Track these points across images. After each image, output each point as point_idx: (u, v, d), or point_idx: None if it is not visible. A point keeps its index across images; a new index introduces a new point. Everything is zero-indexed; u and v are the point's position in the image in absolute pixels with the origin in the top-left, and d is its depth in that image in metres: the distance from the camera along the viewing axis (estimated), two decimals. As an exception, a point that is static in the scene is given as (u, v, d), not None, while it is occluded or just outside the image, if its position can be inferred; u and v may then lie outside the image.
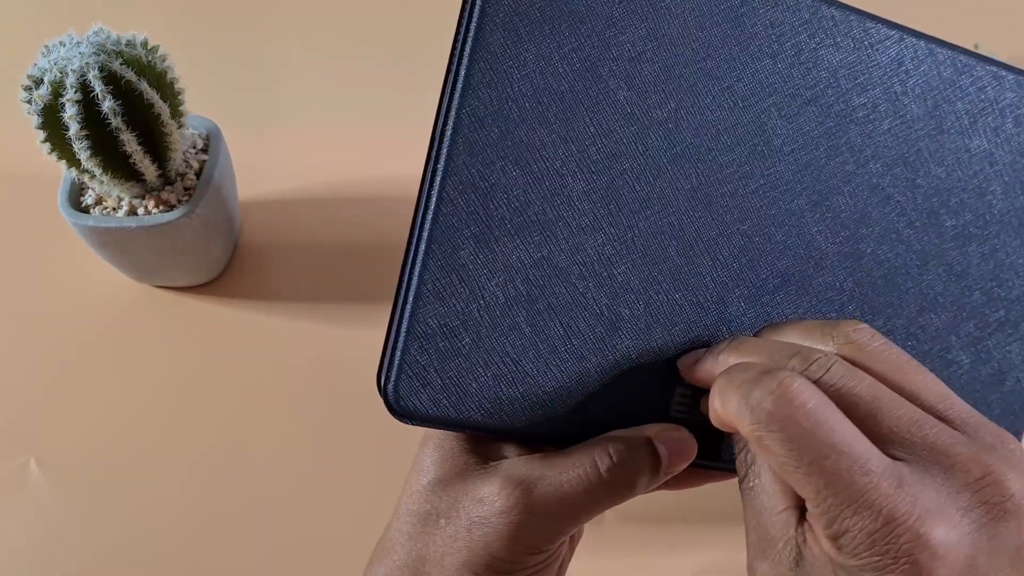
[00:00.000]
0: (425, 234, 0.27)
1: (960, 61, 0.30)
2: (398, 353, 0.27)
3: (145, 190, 0.47)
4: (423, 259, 0.27)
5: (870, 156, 0.29)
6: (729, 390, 0.24)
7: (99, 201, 0.48)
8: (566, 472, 0.27)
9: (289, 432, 0.48)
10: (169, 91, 0.45)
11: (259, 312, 0.52)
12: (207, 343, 0.51)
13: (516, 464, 0.28)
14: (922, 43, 0.30)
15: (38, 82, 0.42)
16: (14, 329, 0.51)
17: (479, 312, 0.27)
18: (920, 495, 0.22)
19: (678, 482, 0.32)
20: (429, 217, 0.27)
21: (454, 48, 0.27)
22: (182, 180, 0.48)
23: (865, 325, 0.25)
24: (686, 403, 0.29)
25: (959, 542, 0.21)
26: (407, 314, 0.27)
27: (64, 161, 0.44)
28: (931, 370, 0.26)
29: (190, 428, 0.48)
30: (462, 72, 0.27)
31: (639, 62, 0.28)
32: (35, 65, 0.42)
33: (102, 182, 0.45)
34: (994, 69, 0.31)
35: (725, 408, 0.24)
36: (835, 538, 0.22)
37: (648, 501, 0.34)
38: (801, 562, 0.23)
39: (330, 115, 0.61)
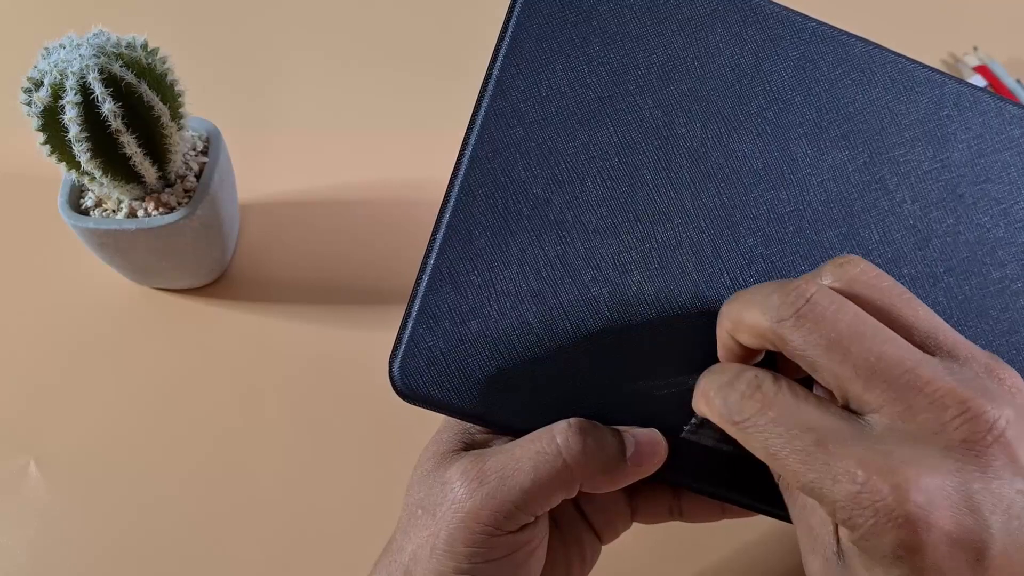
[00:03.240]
0: (445, 220, 0.28)
1: (1009, 112, 0.30)
2: (407, 332, 0.28)
3: (145, 192, 0.47)
4: (440, 244, 0.28)
5: (907, 196, 0.29)
6: (735, 307, 0.25)
7: (99, 203, 0.48)
8: (523, 446, 0.27)
9: (289, 434, 0.48)
10: (169, 93, 0.45)
11: (259, 314, 0.52)
12: (207, 345, 0.51)
13: (484, 451, 0.28)
14: (965, 89, 0.30)
15: (38, 84, 0.42)
16: (13, 330, 0.51)
17: (489, 301, 0.28)
18: (895, 448, 0.21)
19: (693, 515, 0.32)
20: (451, 205, 0.28)
21: (494, 52, 0.28)
22: (182, 182, 0.48)
23: (857, 257, 0.25)
24: (701, 425, 0.29)
25: (943, 486, 0.20)
26: (420, 294, 0.28)
27: (64, 163, 0.44)
28: None
29: (190, 430, 0.48)
30: (495, 73, 0.28)
31: (668, 81, 0.29)
32: (35, 67, 0.42)
33: (102, 184, 0.45)
34: None
35: (738, 319, 0.25)
36: (834, 516, 0.22)
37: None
38: (840, 553, 0.23)
39: (330, 118, 0.61)
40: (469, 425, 0.30)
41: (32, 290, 0.53)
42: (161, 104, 0.43)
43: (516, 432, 0.29)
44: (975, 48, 0.65)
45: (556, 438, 0.27)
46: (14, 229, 0.55)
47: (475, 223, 0.28)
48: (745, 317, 0.25)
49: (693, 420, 0.29)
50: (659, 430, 0.28)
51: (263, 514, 0.46)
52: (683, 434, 0.29)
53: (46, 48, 0.43)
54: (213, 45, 0.65)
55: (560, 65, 0.28)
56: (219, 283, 0.53)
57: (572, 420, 0.28)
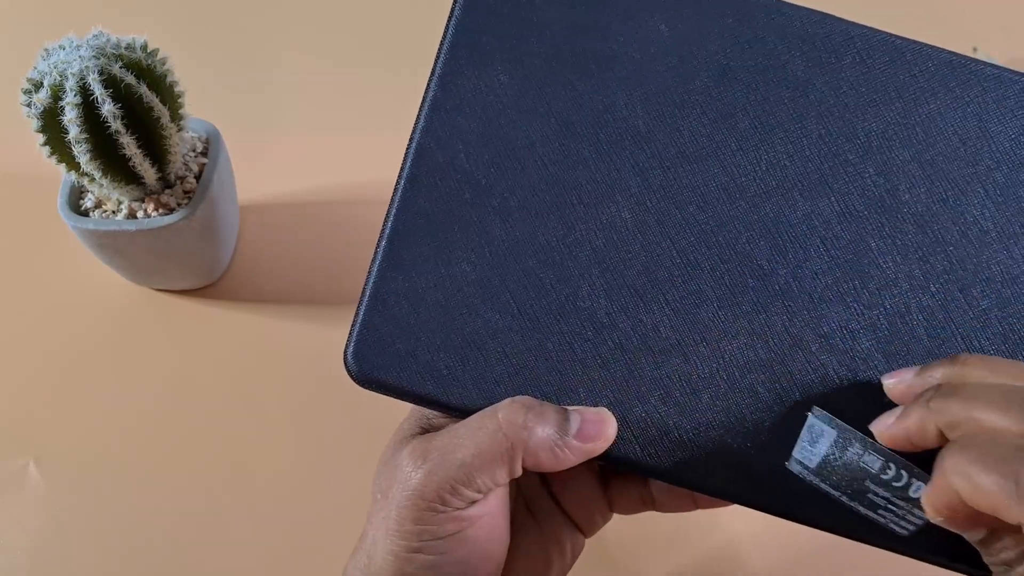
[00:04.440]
0: (393, 210, 0.29)
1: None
2: (359, 318, 0.29)
3: (145, 193, 0.47)
4: (389, 233, 0.29)
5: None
6: (978, 468, 0.21)
7: (99, 204, 0.48)
8: (466, 424, 0.28)
9: (289, 434, 0.48)
10: (169, 94, 0.45)
11: (258, 315, 0.52)
12: (206, 346, 0.51)
13: (434, 432, 0.29)
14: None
15: (38, 85, 0.42)
16: (13, 331, 0.51)
17: (437, 286, 0.29)
18: None
19: (666, 504, 0.32)
20: (398, 196, 0.29)
21: (438, 48, 0.29)
22: (182, 183, 0.48)
23: None
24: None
25: None
26: (371, 281, 0.29)
27: (64, 164, 0.44)
28: None
29: (189, 431, 0.48)
30: (438, 69, 0.29)
31: (610, 67, 0.29)
32: (35, 68, 0.42)
33: (102, 185, 0.45)
34: None
35: (978, 489, 0.21)
36: None
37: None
38: None
39: (330, 119, 0.61)
40: (430, 412, 0.30)
41: (32, 291, 0.53)
42: (161, 105, 0.43)
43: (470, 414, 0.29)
44: (975, 49, 0.65)
45: (498, 414, 0.27)
46: (14, 230, 0.55)
47: (420, 211, 0.29)
48: (985, 493, 0.21)
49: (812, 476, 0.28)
50: (621, 407, 0.28)
51: (263, 514, 0.46)
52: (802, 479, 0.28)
53: (46, 49, 0.43)
54: (213, 46, 0.65)
55: (499, 57, 0.29)
56: (218, 284, 0.53)
57: (517, 397, 0.28)
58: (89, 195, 0.48)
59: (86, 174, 0.44)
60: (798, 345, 0.28)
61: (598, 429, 0.28)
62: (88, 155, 0.42)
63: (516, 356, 0.29)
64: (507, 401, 0.28)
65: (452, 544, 0.28)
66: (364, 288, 0.29)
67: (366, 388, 0.29)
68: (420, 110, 0.29)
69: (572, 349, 0.29)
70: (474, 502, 0.28)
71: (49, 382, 0.50)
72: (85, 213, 0.48)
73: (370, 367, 0.29)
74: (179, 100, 0.46)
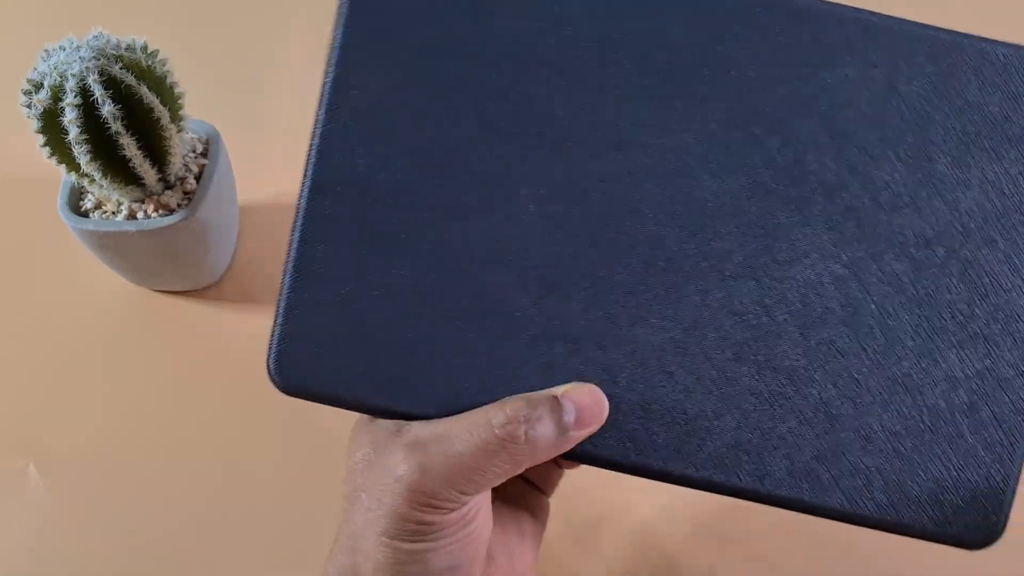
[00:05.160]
0: (299, 217, 0.28)
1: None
2: (278, 325, 0.29)
3: (145, 194, 0.47)
4: (298, 238, 0.28)
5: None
6: None
7: (98, 205, 0.48)
8: (460, 431, 0.27)
9: (289, 434, 0.48)
10: (169, 95, 0.45)
11: (258, 316, 0.52)
12: (206, 347, 0.51)
13: (419, 428, 0.28)
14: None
15: (38, 86, 0.42)
16: (13, 332, 0.51)
17: (347, 290, 0.28)
18: None
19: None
20: (303, 202, 0.28)
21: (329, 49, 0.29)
22: (182, 184, 0.48)
23: None
24: None
25: None
26: (284, 290, 0.29)
27: (64, 165, 0.44)
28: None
29: (189, 432, 0.48)
30: (330, 72, 0.29)
31: (506, 53, 0.28)
32: (35, 69, 0.42)
33: (102, 186, 0.45)
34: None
35: None
36: None
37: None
38: None
39: (330, 119, 0.61)
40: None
41: (32, 292, 0.53)
42: (161, 106, 0.43)
43: (417, 417, 0.28)
44: (974, 50, 0.65)
45: (492, 422, 0.27)
46: (14, 231, 0.55)
47: (326, 218, 0.28)
48: None
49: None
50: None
51: (263, 515, 0.46)
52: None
53: (46, 50, 0.43)
54: (213, 47, 0.65)
55: (391, 53, 0.28)
56: (219, 285, 0.53)
57: (508, 398, 0.27)
58: (89, 196, 0.48)
59: (86, 175, 0.44)
60: (712, 324, 0.28)
61: (593, 412, 0.27)
62: (88, 156, 0.42)
63: (438, 355, 0.28)
64: (499, 404, 0.27)
65: (448, 540, 0.27)
66: (279, 298, 0.29)
67: (293, 396, 0.29)
68: (316, 115, 0.29)
69: (493, 345, 0.28)
70: (467, 502, 0.27)
71: (49, 383, 0.49)
72: (85, 214, 0.48)
73: (291, 375, 0.29)
74: (179, 101, 0.46)
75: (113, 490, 0.46)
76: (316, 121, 0.29)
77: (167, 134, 0.45)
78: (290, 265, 0.29)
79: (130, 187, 0.46)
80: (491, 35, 0.28)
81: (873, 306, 0.28)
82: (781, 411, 0.28)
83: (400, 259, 0.28)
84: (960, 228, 0.28)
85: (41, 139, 0.43)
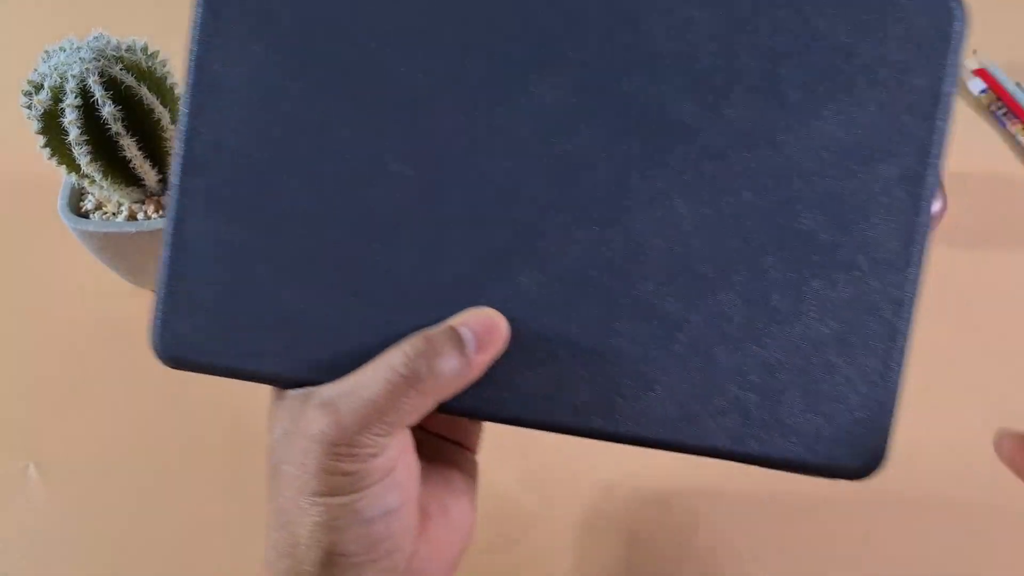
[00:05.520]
0: (175, 194, 0.29)
1: None
2: (159, 300, 0.29)
3: (145, 195, 0.47)
4: (173, 211, 0.29)
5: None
6: None
7: (99, 206, 0.48)
8: (365, 379, 0.27)
9: (288, 437, 0.48)
10: (169, 96, 0.45)
11: (258, 317, 0.52)
12: (206, 348, 0.51)
13: (327, 388, 0.28)
14: None
15: (38, 87, 0.42)
16: (13, 333, 0.51)
17: (228, 258, 0.29)
18: None
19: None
20: (176, 179, 0.29)
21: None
22: (182, 185, 0.48)
23: None
24: None
25: None
26: (163, 261, 0.29)
27: (64, 166, 0.44)
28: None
29: (189, 433, 0.48)
30: (193, 49, 0.29)
31: (368, 22, 0.28)
32: (35, 70, 0.42)
33: (102, 187, 0.45)
34: None
35: None
36: None
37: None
38: None
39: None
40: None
41: (32, 293, 0.53)
42: (161, 107, 0.43)
43: (313, 382, 0.28)
44: (974, 51, 0.65)
45: (394, 365, 0.27)
46: (14, 232, 0.55)
47: (200, 191, 0.29)
48: None
49: None
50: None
51: (263, 516, 0.45)
52: None
53: (46, 51, 0.43)
54: (213, 48, 0.65)
55: (253, 29, 0.28)
56: (219, 286, 0.53)
57: (409, 336, 0.27)
58: (89, 197, 0.48)
59: (86, 176, 0.44)
60: (579, 272, 0.28)
61: (492, 334, 0.27)
62: (88, 157, 0.42)
63: (318, 321, 0.29)
64: (398, 345, 0.27)
65: (376, 487, 0.27)
66: (158, 274, 0.29)
67: (178, 369, 0.29)
68: (183, 94, 0.29)
69: (372, 305, 0.28)
70: (387, 446, 0.27)
71: (49, 384, 0.49)
72: (85, 215, 0.48)
73: (176, 348, 0.29)
74: (179, 102, 0.46)
75: (113, 490, 0.46)
76: (183, 100, 0.29)
77: (167, 135, 0.45)
78: (168, 240, 0.29)
79: (130, 188, 0.46)
80: (351, 7, 0.28)
81: (737, 242, 0.28)
82: (655, 354, 0.28)
83: (274, 230, 0.29)
84: (818, 160, 0.28)
85: (41, 140, 0.43)
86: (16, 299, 0.53)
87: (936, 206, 0.56)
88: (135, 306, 0.52)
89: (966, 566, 0.42)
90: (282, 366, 0.29)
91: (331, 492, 0.27)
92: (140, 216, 0.47)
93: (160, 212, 0.47)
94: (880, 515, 0.43)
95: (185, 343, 0.29)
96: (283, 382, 0.29)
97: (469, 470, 0.33)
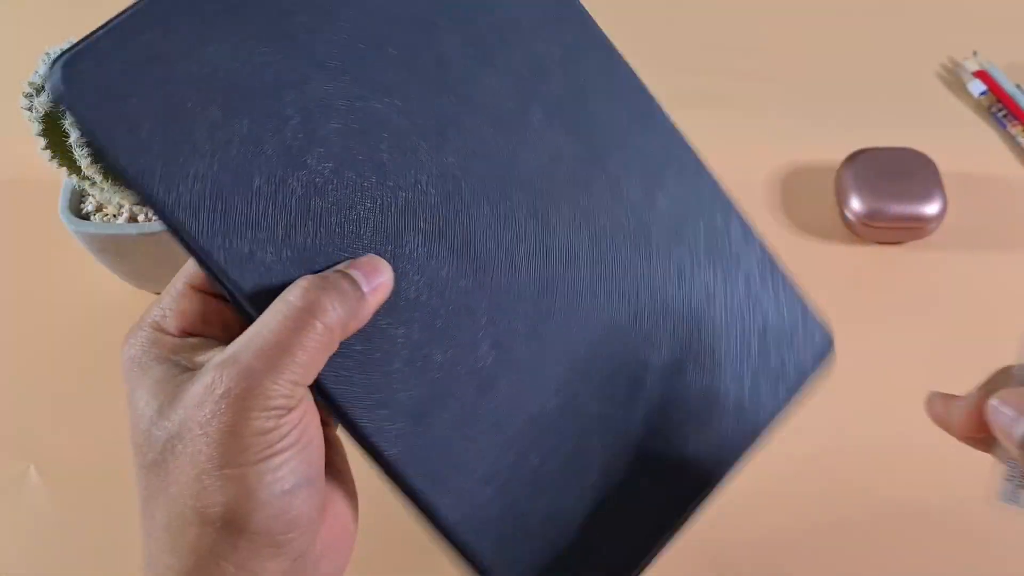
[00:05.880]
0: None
1: None
2: (98, 35, 0.27)
3: (146, 197, 0.47)
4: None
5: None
6: None
7: (99, 208, 0.48)
8: (263, 323, 0.25)
9: (289, 439, 0.48)
10: (170, 98, 0.45)
11: (259, 319, 0.52)
12: (207, 350, 0.51)
13: (224, 350, 0.26)
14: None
15: (39, 89, 0.42)
16: (14, 335, 0.51)
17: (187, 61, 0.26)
18: None
19: None
20: None
21: None
22: (183, 187, 0.48)
23: None
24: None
25: None
26: (126, 15, 0.27)
27: (65, 168, 0.44)
28: None
29: (190, 435, 0.48)
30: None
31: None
32: (36, 72, 0.42)
33: (103, 189, 0.45)
34: None
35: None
36: None
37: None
38: None
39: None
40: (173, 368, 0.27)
41: (33, 295, 0.53)
42: (162, 109, 0.43)
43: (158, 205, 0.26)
44: (975, 53, 0.65)
45: (289, 299, 0.25)
46: (15, 234, 0.55)
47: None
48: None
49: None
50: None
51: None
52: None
53: (47, 53, 0.43)
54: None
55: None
56: (219, 288, 0.53)
57: (300, 280, 0.26)
58: (90, 199, 0.48)
59: (87, 178, 0.44)
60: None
61: (378, 271, 0.27)
62: (89, 159, 0.42)
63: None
64: (294, 286, 0.26)
65: (292, 449, 0.25)
66: (108, 22, 0.27)
67: (61, 104, 0.26)
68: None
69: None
70: (300, 398, 0.25)
71: (50, 386, 0.49)
72: (86, 217, 0.48)
73: (78, 86, 0.26)
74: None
75: (114, 492, 0.46)
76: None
77: (168, 137, 0.45)
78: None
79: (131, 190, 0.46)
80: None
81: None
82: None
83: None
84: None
85: (42, 142, 0.43)
86: (17, 301, 0.53)
87: (936, 207, 0.56)
88: (136, 308, 0.52)
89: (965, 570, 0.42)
90: (157, 176, 0.26)
91: (246, 459, 0.24)
92: (141, 218, 0.47)
93: (161, 214, 0.47)
94: (878, 516, 0.43)
95: (92, 90, 0.26)
96: (152, 203, 0.26)
97: (343, 452, 0.31)
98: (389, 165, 0.28)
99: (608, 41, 0.31)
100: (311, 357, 0.25)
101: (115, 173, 0.26)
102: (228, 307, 0.28)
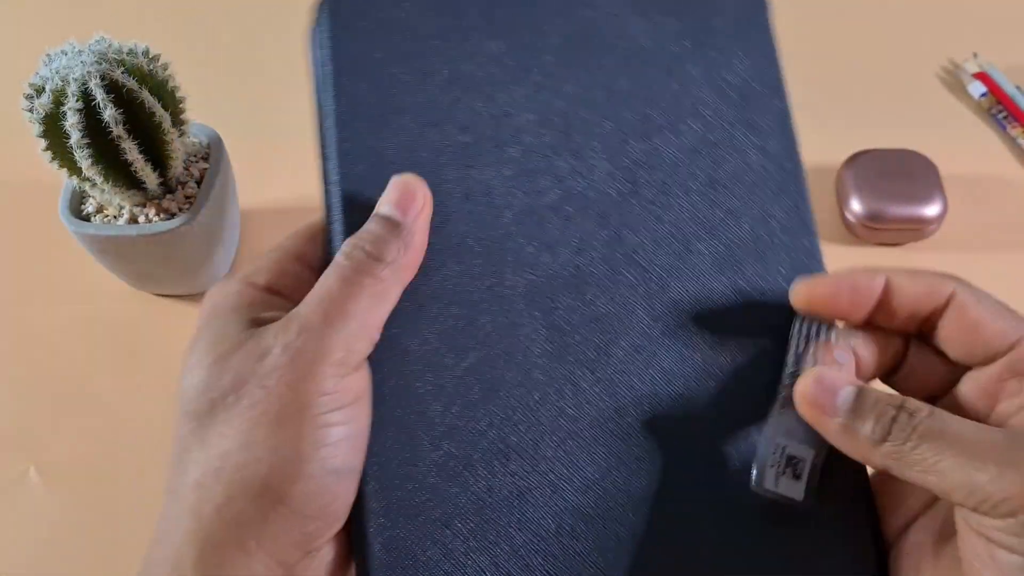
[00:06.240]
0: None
1: None
2: None
3: (146, 198, 0.47)
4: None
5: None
6: None
7: (100, 209, 0.48)
8: (321, 282, 0.25)
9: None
10: (170, 99, 0.45)
11: (259, 320, 0.52)
12: (207, 351, 0.51)
13: (281, 314, 0.25)
14: None
15: (40, 90, 0.42)
16: (14, 336, 0.51)
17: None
18: None
19: None
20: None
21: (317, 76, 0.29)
22: (183, 188, 0.48)
23: None
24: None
25: None
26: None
27: (65, 169, 0.44)
28: None
29: (190, 436, 0.48)
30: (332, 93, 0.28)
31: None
32: (37, 74, 0.42)
33: (103, 190, 0.45)
34: None
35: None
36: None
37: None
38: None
39: (331, 124, 0.61)
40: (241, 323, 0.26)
41: (33, 296, 0.53)
42: (162, 110, 0.43)
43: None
44: (975, 55, 0.65)
45: (339, 259, 0.25)
46: (15, 235, 0.55)
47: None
48: None
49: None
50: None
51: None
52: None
53: (48, 55, 0.43)
54: (215, 51, 0.65)
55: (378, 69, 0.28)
56: (220, 289, 0.53)
57: (348, 240, 0.26)
58: (90, 200, 0.48)
59: (87, 179, 0.44)
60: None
61: (410, 190, 0.26)
62: (89, 160, 0.42)
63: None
64: (347, 248, 0.25)
65: (341, 434, 0.24)
66: None
67: (322, 22, 0.28)
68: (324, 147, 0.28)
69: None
70: (359, 361, 0.25)
71: (50, 387, 0.49)
72: (86, 218, 0.48)
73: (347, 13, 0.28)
74: (180, 105, 0.46)
75: (113, 493, 0.46)
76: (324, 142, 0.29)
77: (169, 138, 0.45)
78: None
79: (131, 191, 0.46)
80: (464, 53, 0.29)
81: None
82: None
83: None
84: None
85: (43, 143, 0.43)
86: (17, 302, 0.53)
87: (936, 209, 0.56)
88: (136, 309, 0.52)
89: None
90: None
91: (300, 420, 0.23)
92: (141, 219, 0.47)
93: (160, 215, 0.47)
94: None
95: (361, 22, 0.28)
96: None
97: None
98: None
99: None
100: (369, 312, 0.24)
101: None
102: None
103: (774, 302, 0.28)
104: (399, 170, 0.27)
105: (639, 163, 0.28)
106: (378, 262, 0.25)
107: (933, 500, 0.26)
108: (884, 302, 0.27)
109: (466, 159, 0.28)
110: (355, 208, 0.27)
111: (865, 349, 0.27)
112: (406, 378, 0.26)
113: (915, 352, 0.27)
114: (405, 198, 0.26)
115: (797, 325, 0.27)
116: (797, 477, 0.26)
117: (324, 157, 0.28)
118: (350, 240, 0.26)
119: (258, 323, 0.25)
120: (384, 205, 0.26)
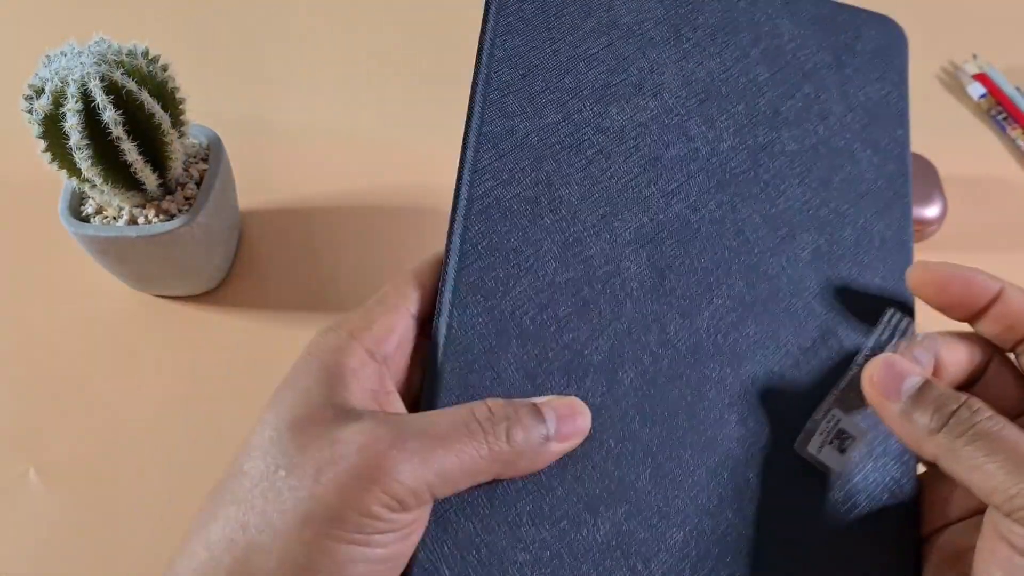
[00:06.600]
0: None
1: None
2: None
3: (145, 199, 0.47)
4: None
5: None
6: None
7: (99, 210, 0.48)
8: (439, 415, 0.24)
9: (288, 441, 0.48)
10: (170, 101, 0.45)
11: (259, 321, 0.52)
12: (207, 352, 0.51)
13: (382, 412, 0.25)
14: None
15: (39, 91, 0.42)
16: (14, 337, 0.51)
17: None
18: None
19: None
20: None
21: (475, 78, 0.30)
22: (183, 189, 0.48)
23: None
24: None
25: None
26: None
27: (65, 170, 0.44)
28: None
29: (189, 437, 0.48)
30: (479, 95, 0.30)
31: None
32: (36, 75, 0.42)
33: (103, 191, 0.45)
34: None
35: None
36: None
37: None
38: None
39: (331, 125, 0.61)
40: (334, 395, 0.25)
41: (33, 297, 0.53)
42: (162, 111, 0.43)
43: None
44: (974, 56, 0.65)
45: (474, 412, 0.24)
46: (15, 236, 0.55)
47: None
48: None
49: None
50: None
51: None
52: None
53: (47, 56, 0.43)
54: (215, 52, 0.66)
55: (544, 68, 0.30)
56: (219, 290, 0.53)
57: (488, 400, 0.25)
58: (90, 201, 0.48)
59: (87, 180, 0.44)
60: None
61: (575, 423, 0.25)
62: (89, 161, 0.42)
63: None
64: (480, 401, 0.25)
65: (386, 554, 0.23)
66: None
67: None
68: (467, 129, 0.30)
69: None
70: (418, 503, 0.24)
71: (49, 388, 0.49)
72: (86, 219, 0.48)
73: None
74: (180, 106, 0.46)
75: (114, 495, 0.46)
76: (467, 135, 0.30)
77: (168, 139, 0.45)
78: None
79: (131, 192, 0.46)
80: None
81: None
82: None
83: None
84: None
85: (42, 144, 0.43)
86: (17, 303, 0.53)
87: (936, 210, 0.56)
88: (136, 309, 0.52)
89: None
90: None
91: (338, 533, 0.22)
92: (141, 220, 0.47)
93: (160, 216, 0.47)
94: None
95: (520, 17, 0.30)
96: None
97: None
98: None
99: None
100: (467, 474, 0.24)
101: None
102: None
103: (864, 301, 0.29)
104: (544, 103, 0.29)
105: (763, 147, 0.30)
106: (508, 446, 0.24)
107: (971, 513, 0.26)
108: (990, 309, 0.27)
109: (607, 98, 0.30)
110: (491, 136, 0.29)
111: (948, 353, 0.27)
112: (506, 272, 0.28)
113: (995, 370, 0.28)
114: (570, 426, 0.25)
115: (887, 316, 0.28)
116: (842, 451, 0.27)
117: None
118: (498, 406, 0.24)
119: (343, 405, 0.24)
120: (549, 411, 0.25)
